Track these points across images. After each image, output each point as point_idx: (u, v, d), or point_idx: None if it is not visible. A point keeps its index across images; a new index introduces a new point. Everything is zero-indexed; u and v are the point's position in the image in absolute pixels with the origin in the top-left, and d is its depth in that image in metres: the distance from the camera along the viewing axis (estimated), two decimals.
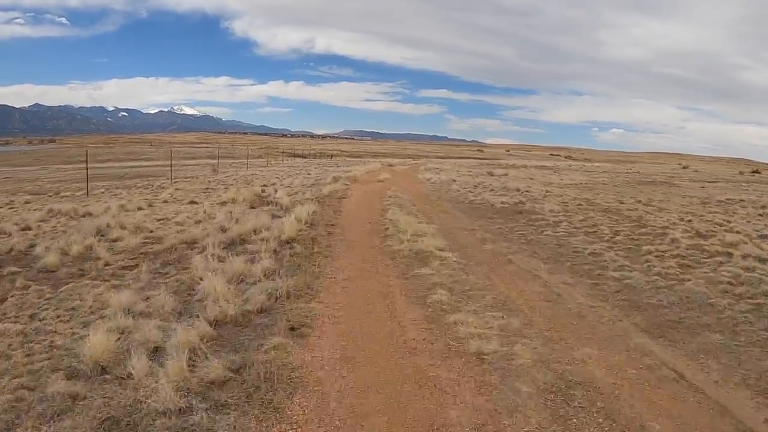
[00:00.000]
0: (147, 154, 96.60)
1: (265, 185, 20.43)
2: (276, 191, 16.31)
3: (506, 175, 28.94)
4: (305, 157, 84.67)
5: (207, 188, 20.23)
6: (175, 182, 24.37)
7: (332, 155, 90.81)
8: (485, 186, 20.54)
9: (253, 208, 13.12)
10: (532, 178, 27.06)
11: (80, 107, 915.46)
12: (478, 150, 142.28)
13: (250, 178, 25.24)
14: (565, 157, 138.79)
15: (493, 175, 28.26)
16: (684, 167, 57.35)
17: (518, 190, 19.14)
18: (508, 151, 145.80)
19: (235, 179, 25.03)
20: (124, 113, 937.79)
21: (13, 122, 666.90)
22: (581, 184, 24.66)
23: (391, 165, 41.28)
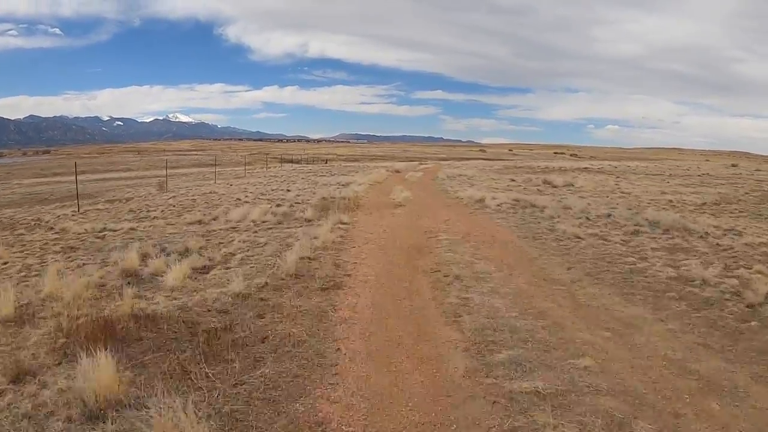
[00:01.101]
0: (129, 164, 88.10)
1: (199, 220, 11.63)
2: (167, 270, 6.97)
3: (578, 186, 19.97)
4: (298, 162, 76.26)
5: (103, 229, 11.35)
6: (84, 211, 15.50)
7: (327, 160, 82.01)
8: (599, 216, 11.64)
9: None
10: (626, 193, 18.11)
11: (75, 117, 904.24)
12: (480, 150, 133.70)
13: (195, 203, 16.38)
14: (571, 155, 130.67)
15: (556, 186, 19.47)
16: (733, 165, 48.71)
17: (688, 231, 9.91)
18: (511, 150, 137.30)
19: (173, 205, 16.17)
20: (119, 122, 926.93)
21: (8, 134, 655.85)
22: (717, 201, 15.91)
23: (397, 171, 32.47)
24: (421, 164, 46.03)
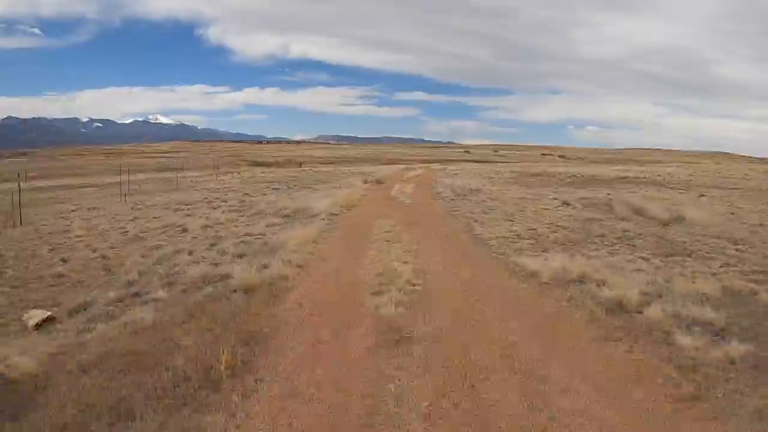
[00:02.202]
0: (87, 168, 78.08)
1: None
2: None
3: (701, 222, 11.24)
4: (269, 166, 67.21)
5: None
6: None
7: (301, 163, 72.88)
8: None
9: None
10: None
11: (54, 119, 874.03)
12: (464, 151, 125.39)
13: None
14: (559, 157, 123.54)
15: (666, 224, 10.82)
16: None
17: None
18: (496, 151, 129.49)
19: None
20: (99, 124, 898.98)
21: None
22: None
23: (379, 182, 23.71)
24: (408, 169, 37.23)
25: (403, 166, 44.66)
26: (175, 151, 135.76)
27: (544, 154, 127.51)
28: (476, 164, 58.28)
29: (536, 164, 55.66)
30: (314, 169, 46.83)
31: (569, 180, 24.57)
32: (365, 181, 23.39)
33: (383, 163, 74.75)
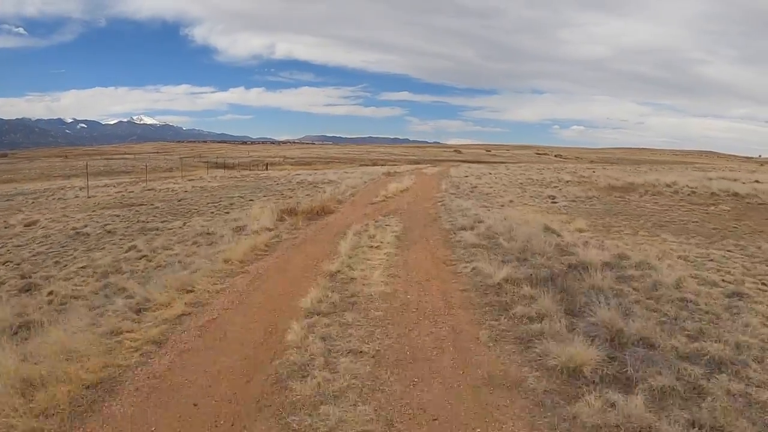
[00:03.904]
0: (52, 170, 65.43)
1: None
2: None
3: None
4: (232, 168, 54.90)
5: None
6: None
7: (267, 164, 60.18)
8: None
9: None
10: None
11: (38, 120, 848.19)
12: (454, 151, 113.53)
13: None
14: (555, 156, 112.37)
15: None
16: None
17: None
18: (489, 151, 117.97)
19: None
20: (83, 125, 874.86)
21: None
22: None
23: (353, 196, 11.63)
24: (392, 176, 24.55)
25: (386, 169, 32.24)
26: (160, 151, 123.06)
27: (539, 154, 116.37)
28: (481, 166, 46.16)
29: (558, 165, 43.87)
30: (276, 178, 34.25)
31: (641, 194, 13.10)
32: (330, 195, 11.21)
33: (364, 164, 62.53)
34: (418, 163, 60.74)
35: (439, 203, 11.87)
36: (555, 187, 18.23)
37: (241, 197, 15.66)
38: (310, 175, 26.22)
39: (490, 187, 18.02)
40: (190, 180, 29.97)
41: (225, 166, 59.28)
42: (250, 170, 48.80)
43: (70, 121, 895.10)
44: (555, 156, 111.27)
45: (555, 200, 14.74)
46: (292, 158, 76.22)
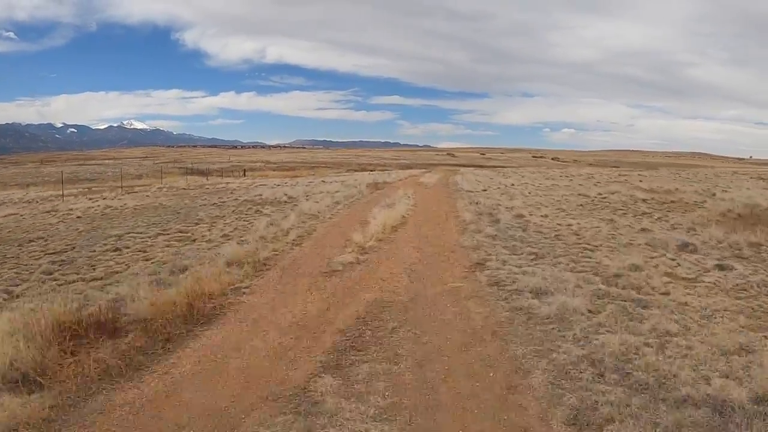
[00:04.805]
0: (24, 178, 59.32)
1: None
2: None
3: None
4: (209, 175, 49.11)
5: None
6: None
7: (245, 171, 54.14)
8: None
9: None
10: None
11: (28, 124, 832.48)
12: (447, 154, 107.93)
13: None
14: (552, 159, 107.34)
15: None
16: None
17: None
18: (483, 154, 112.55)
19: None
20: (73, 129, 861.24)
21: None
22: None
23: (297, 245, 6.19)
24: (381, 187, 18.76)
25: (373, 178, 26.39)
26: (149, 156, 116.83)
27: (535, 157, 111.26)
28: (486, 172, 40.48)
29: (570, 171, 38.30)
30: (251, 184, 28.31)
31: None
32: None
33: (352, 169, 56.65)
34: (410, 167, 55.02)
35: (492, 282, 5.92)
36: (645, 214, 12.03)
37: (117, 237, 9.83)
38: (273, 188, 20.36)
39: (543, 215, 11.81)
40: (133, 193, 24.01)
41: (201, 173, 53.55)
42: (222, 177, 42.90)
43: (61, 125, 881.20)
44: (552, 159, 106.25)
45: (706, 261, 7.35)
46: (275, 163, 70.18)
